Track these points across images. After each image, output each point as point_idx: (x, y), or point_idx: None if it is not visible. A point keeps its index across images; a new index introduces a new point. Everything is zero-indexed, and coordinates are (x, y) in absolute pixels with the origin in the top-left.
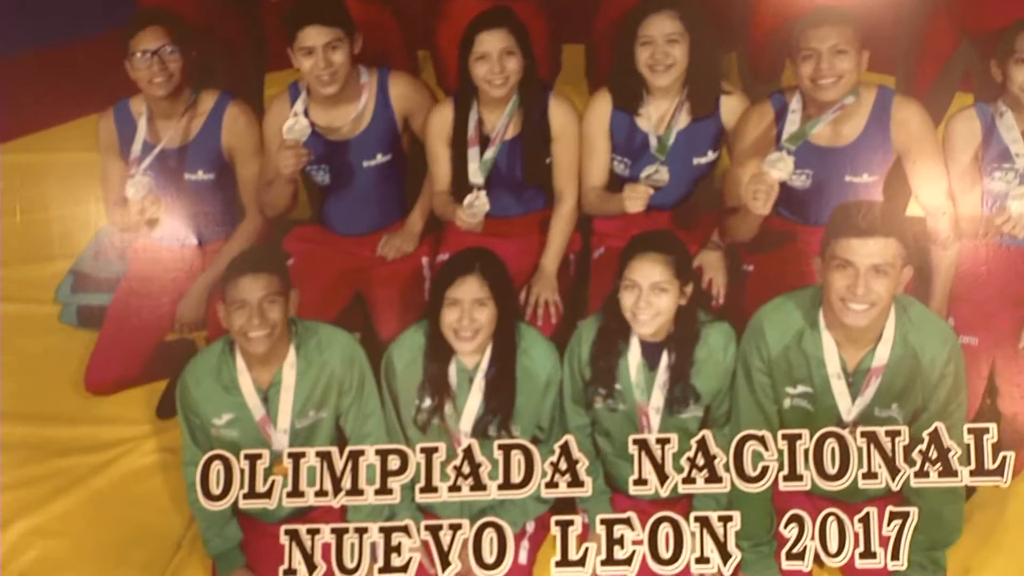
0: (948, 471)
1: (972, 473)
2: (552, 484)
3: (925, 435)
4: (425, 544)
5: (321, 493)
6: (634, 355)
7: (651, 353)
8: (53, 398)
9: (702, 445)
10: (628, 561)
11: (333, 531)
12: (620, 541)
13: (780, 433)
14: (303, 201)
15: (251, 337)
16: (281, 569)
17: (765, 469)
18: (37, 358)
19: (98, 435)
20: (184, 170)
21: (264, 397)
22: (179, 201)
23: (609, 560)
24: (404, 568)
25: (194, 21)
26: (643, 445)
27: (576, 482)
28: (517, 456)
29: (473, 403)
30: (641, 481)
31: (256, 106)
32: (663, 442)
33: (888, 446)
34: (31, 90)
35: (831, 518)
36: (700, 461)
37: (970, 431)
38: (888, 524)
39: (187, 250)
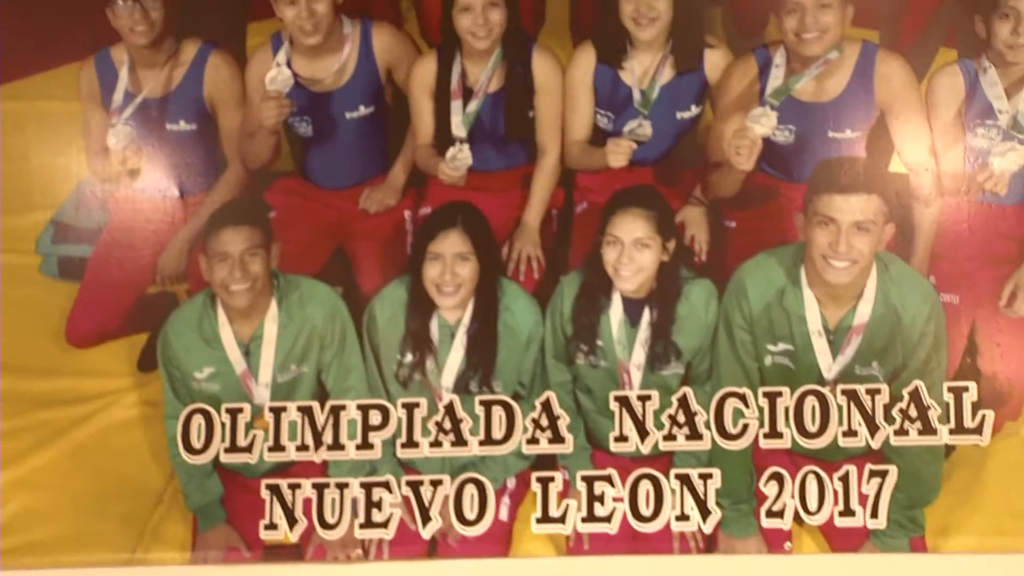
0: (928, 429)
1: (951, 432)
2: (533, 440)
3: (905, 393)
4: (406, 500)
5: (302, 448)
6: (616, 311)
7: (633, 309)
8: (34, 350)
9: (683, 402)
10: (608, 518)
11: (314, 486)
12: (600, 498)
13: (761, 390)
14: (285, 153)
15: (232, 290)
16: (262, 524)
17: (745, 427)
18: (17, 309)
19: (79, 387)
20: (166, 120)
21: (246, 351)
22: (161, 152)
23: (590, 517)
24: (385, 523)
25: None
26: (624, 402)
27: (557, 438)
28: (498, 412)
29: (455, 358)
30: (622, 438)
31: (238, 56)
32: (644, 399)
33: (868, 404)
34: (11, 37)
35: (811, 476)
36: (681, 418)
37: (950, 389)
38: (867, 482)
39: (168, 201)
